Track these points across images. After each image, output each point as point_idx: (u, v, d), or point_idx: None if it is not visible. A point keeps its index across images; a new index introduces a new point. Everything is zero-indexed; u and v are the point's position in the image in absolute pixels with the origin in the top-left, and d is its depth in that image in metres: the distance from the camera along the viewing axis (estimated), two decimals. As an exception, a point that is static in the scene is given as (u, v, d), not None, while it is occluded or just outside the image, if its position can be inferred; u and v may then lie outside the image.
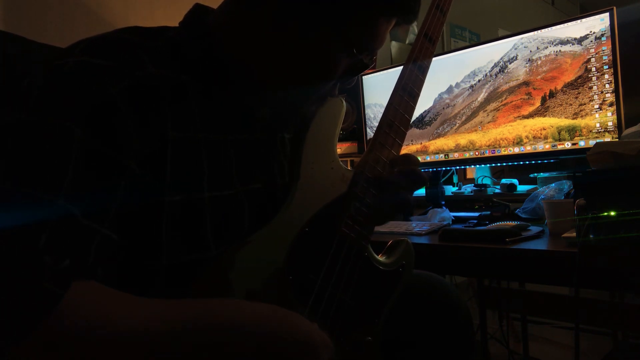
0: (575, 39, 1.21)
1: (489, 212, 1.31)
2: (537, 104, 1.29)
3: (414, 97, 0.74)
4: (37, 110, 0.47)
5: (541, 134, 1.29)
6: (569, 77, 1.23)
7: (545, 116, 1.28)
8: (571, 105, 1.23)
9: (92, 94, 0.48)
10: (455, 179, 1.82)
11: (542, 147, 1.29)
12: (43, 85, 0.49)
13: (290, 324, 0.51)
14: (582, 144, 1.22)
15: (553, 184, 1.28)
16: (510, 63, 1.35)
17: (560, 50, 1.24)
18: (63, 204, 0.43)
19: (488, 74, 1.40)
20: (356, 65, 0.65)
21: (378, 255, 0.73)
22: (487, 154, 1.41)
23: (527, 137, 1.32)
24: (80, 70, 0.49)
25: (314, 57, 0.61)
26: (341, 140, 1.82)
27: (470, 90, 1.44)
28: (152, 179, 0.51)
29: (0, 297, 0.38)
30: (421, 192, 1.63)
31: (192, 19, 0.64)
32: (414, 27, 3.12)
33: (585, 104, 1.20)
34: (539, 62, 1.29)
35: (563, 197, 1.21)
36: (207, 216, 0.56)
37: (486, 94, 1.40)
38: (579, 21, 1.20)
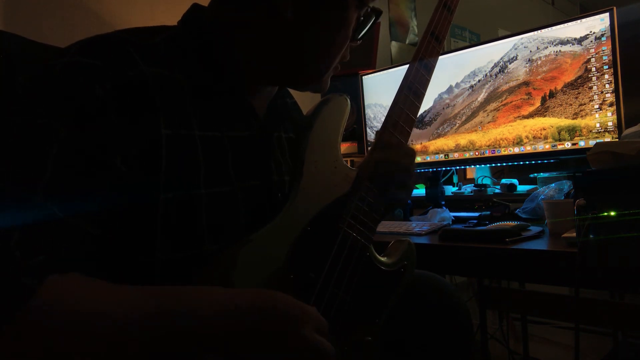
0: (575, 39, 1.21)
1: (489, 212, 1.32)
2: (537, 104, 1.29)
3: (419, 96, 0.74)
4: (22, 109, 0.48)
5: (541, 134, 1.29)
6: (569, 77, 1.23)
7: (545, 116, 1.28)
8: (571, 105, 1.23)
9: (79, 93, 0.49)
10: (455, 179, 1.82)
11: (542, 147, 1.29)
12: (31, 84, 0.50)
13: (266, 298, 0.50)
14: (582, 144, 1.22)
15: (553, 184, 1.28)
16: (510, 63, 1.35)
17: (560, 50, 1.24)
18: (40, 201, 0.44)
19: (488, 74, 1.40)
20: (363, 17, 0.65)
21: (380, 256, 0.73)
22: (487, 154, 1.41)
23: (527, 137, 1.32)
24: (70, 69, 0.50)
25: (314, 35, 0.61)
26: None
27: (470, 90, 1.44)
28: (145, 177, 0.52)
29: None
30: (421, 192, 1.63)
31: (189, 18, 0.64)
32: (414, 27, 3.12)
33: (585, 104, 1.20)
34: (539, 62, 1.29)
35: (563, 197, 1.21)
36: (203, 213, 0.56)
37: (486, 94, 1.40)
38: (579, 21, 1.20)
